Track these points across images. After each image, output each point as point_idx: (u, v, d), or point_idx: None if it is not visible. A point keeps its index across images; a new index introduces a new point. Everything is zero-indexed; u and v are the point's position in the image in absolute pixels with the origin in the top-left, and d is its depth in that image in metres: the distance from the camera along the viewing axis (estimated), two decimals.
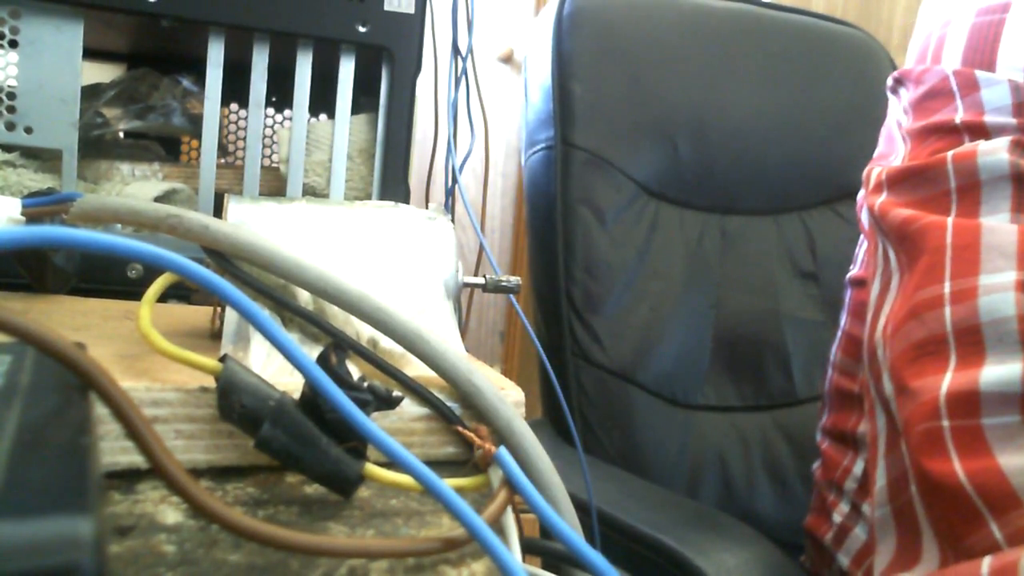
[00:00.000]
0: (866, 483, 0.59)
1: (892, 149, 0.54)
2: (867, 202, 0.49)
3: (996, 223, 0.40)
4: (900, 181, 0.46)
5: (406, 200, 0.65)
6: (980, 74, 0.45)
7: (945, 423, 0.38)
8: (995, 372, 0.37)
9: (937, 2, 0.51)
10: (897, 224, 0.45)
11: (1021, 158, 0.40)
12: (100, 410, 0.21)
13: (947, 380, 0.38)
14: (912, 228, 0.43)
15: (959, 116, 0.45)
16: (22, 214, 0.40)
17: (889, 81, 0.54)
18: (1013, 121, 0.42)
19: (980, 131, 0.44)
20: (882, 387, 0.45)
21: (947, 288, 0.40)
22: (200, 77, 0.61)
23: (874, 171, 0.50)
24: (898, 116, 0.53)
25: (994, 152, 0.41)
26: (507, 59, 1.65)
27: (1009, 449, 0.36)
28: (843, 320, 0.65)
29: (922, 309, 0.41)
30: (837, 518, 0.61)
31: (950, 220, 0.42)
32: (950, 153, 0.43)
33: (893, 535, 0.44)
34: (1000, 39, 0.44)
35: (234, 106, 0.85)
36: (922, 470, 0.39)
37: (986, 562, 0.35)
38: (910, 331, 0.41)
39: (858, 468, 0.60)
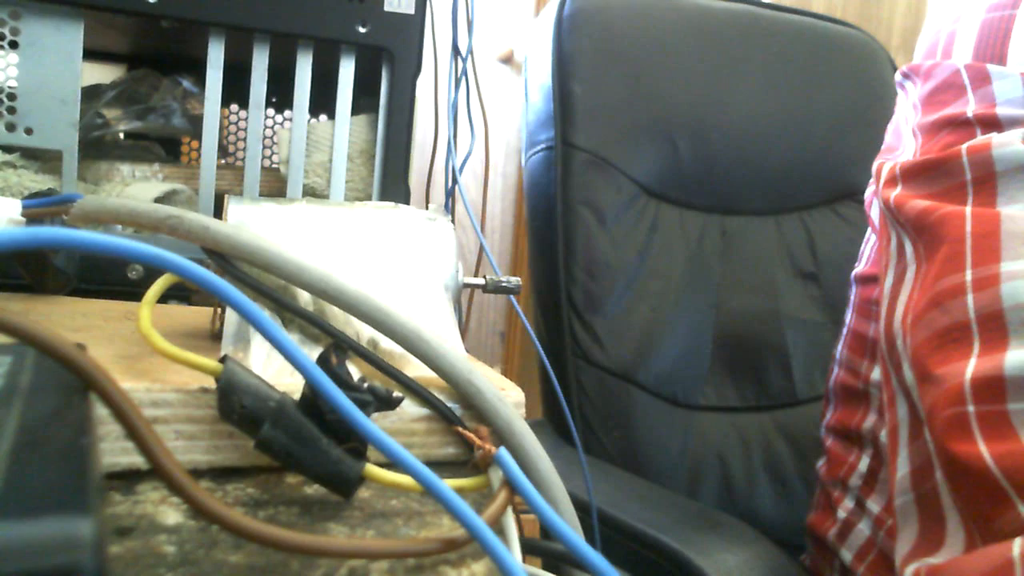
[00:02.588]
0: (871, 479, 0.59)
1: (899, 143, 0.54)
2: (881, 195, 0.49)
3: (1015, 211, 0.40)
4: (915, 174, 0.46)
5: (406, 201, 0.65)
6: (992, 67, 0.45)
7: (971, 408, 0.38)
8: (1019, 356, 0.37)
9: (944, 5, 0.51)
10: (914, 215, 0.45)
11: None
12: (100, 411, 0.21)
13: (971, 366, 0.38)
14: (930, 219, 0.43)
15: (971, 109, 0.45)
16: (22, 215, 0.40)
17: (897, 76, 0.54)
18: None
19: (993, 124, 0.44)
20: (903, 376, 0.45)
21: (969, 276, 0.40)
22: (200, 78, 0.61)
23: (886, 165, 0.50)
24: (906, 112, 0.53)
25: (1008, 144, 0.41)
26: (507, 60, 1.65)
27: None
28: (848, 318, 0.65)
29: (944, 298, 0.41)
30: (842, 514, 0.61)
31: (968, 209, 0.42)
32: (964, 146, 0.43)
33: (915, 522, 0.44)
34: (1011, 34, 0.45)
35: (234, 107, 0.85)
36: (948, 454, 0.39)
37: (1017, 543, 0.35)
38: (932, 320, 0.41)
39: (863, 464, 0.60)
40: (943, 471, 0.40)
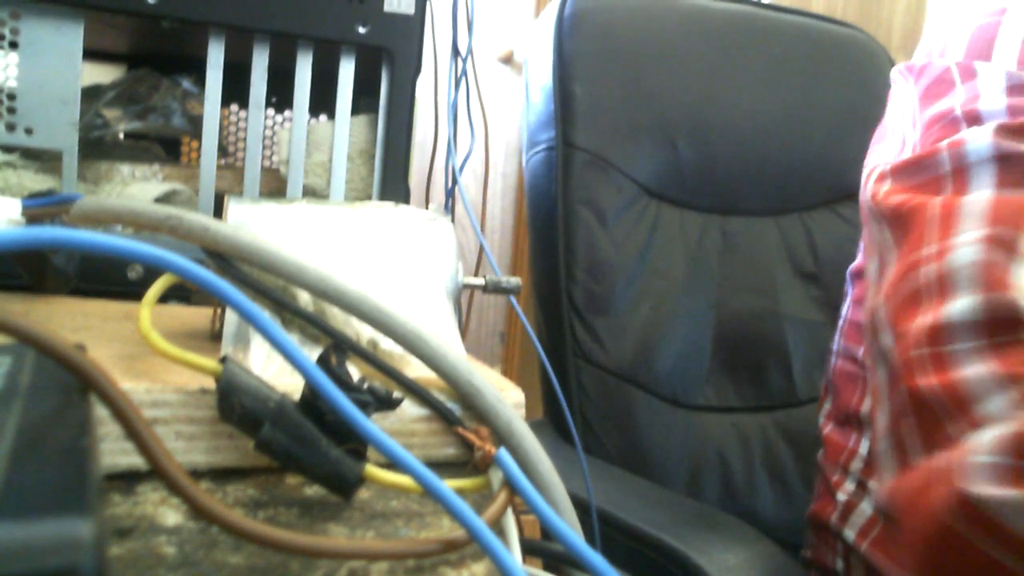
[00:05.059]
0: (872, 461, 0.61)
1: (889, 136, 0.57)
2: (871, 191, 0.54)
3: (975, 196, 0.46)
4: (902, 171, 0.51)
5: (406, 201, 0.65)
6: (978, 64, 0.49)
7: (925, 350, 0.45)
8: (957, 306, 0.44)
9: (945, 8, 0.55)
10: (893, 207, 0.50)
11: (1004, 139, 0.46)
12: (100, 411, 0.21)
13: (926, 318, 0.46)
14: (905, 208, 0.49)
15: (959, 104, 0.49)
16: (22, 215, 0.40)
17: (893, 72, 0.57)
18: (1005, 101, 0.47)
19: (976, 119, 0.48)
20: (880, 341, 0.50)
21: (931, 250, 0.46)
22: (200, 78, 0.61)
23: (877, 168, 0.54)
24: (902, 107, 0.57)
25: (980, 138, 0.46)
26: (507, 60, 1.65)
27: (967, 364, 0.43)
28: (845, 310, 0.66)
29: (910, 269, 0.48)
30: (842, 497, 0.62)
31: (938, 199, 0.48)
32: (944, 143, 0.49)
33: (893, 460, 0.49)
34: (995, 39, 0.49)
35: (234, 107, 0.85)
36: (911, 389, 0.45)
37: (941, 456, 0.41)
38: (901, 288, 0.48)
39: (863, 447, 0.62)
40: (910, 407, 0.46)
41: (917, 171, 0.50)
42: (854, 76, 0.98)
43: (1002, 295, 0.42)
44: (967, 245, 0.44)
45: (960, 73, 0.50)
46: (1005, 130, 0.45)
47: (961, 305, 0.43)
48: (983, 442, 0.39)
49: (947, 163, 0.48)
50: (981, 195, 0.45)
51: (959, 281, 0.44)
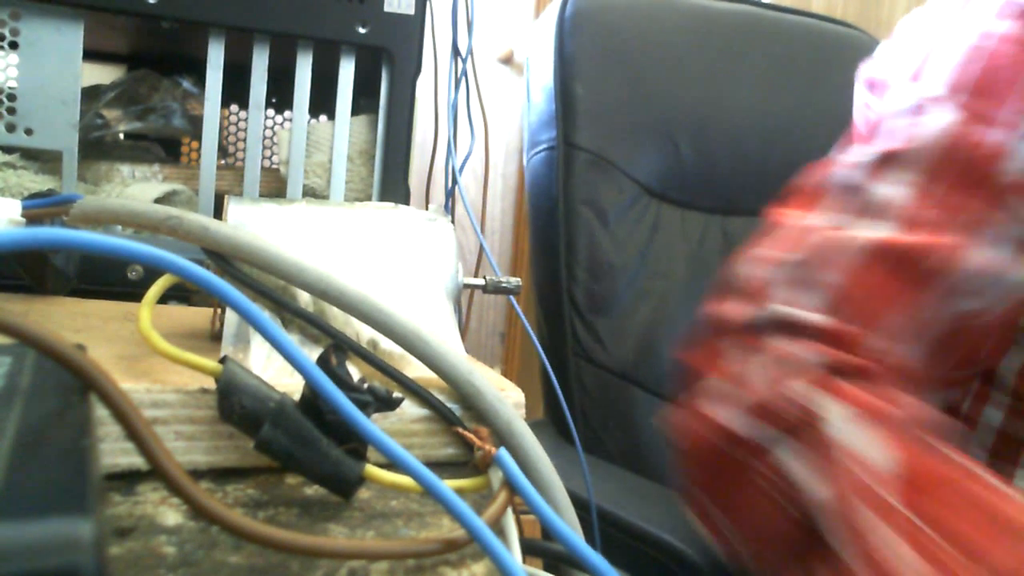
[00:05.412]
0: None
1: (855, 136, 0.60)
2: None
3: (807, 220, 0.50)
4: (803, 180, 0.55)
5: (406, 201, 0.65)
6: (891, 80, 0.52)
7: (711, 337, 0.52)
8: (727, 307, 0.50)
9: (911, 23, 0.57)
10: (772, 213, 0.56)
11: (859, 171, 0.49)
12: (100, 411, 0.21)
13: (724, 310, 0.52)
14: (770, 216, 0.55)
15: (872, 118, 0.53)
16: (22, 215, 0.40)
17: (857, 74, 0.59)
18: (905, 122, 0.49)
19: (875, 136, 0.51)
20: None
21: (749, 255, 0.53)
22: (200, 78, 0.61)
23: None
24: (863, 112, 0.61)
25: (841, 167, 0.51)
26: (507, 60, 1.65)
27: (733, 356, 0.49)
28: None
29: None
30: None
31: (789, 214, 0.52)
32: (838, 158, 0.53)
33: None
34: (927, 60, 0.52)
35: (234, 107, 0.85)
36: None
37: None
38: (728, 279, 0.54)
39: None
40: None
41: (809, 183, 0.54)
42: (854, 76, 0.98)
43: (764, 307, 0.48)
44: (750, 259, 0.51)
45: (878, 88, 0.52)
46: (878, 159, 0.48)
47: (748, 310, 0.50)
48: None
49: (819, 181, 0.52)
50: (809, 219, 0.50)
51: (734, 285, 0.52)
